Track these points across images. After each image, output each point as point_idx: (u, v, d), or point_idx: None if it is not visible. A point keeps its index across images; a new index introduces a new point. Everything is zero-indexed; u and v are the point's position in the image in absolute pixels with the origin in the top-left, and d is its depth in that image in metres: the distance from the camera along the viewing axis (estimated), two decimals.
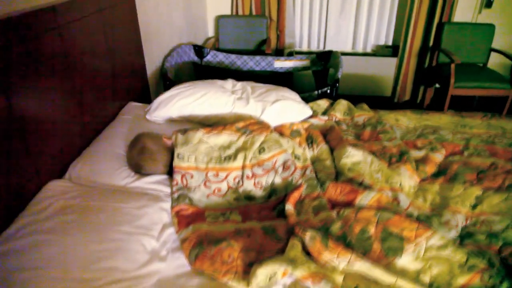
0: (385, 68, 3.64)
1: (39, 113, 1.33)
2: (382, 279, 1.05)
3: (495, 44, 3.29)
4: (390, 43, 3.70)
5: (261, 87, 1.96)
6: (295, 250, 1.10)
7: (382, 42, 3.70)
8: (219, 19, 3.58)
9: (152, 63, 2.44)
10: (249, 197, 1.44)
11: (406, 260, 1.13)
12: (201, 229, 1.28)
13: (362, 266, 1.07)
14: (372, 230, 1.20)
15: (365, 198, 1.33)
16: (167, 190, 1.47)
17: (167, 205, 1.40)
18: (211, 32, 3.80)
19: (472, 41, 3.33)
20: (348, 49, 3.76)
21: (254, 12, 3.58)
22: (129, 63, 2.08)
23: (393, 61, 3.59)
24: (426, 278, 1.09)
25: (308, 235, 1.13)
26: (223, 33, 3.60)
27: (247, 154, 1.47)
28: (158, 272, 1.18)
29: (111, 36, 1.84)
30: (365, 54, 3.73)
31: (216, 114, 1.77)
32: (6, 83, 1.17)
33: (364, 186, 1.41)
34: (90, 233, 1.18)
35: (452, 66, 3.03)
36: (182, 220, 1.33)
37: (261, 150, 1.50)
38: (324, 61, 2.96)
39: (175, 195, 1.41)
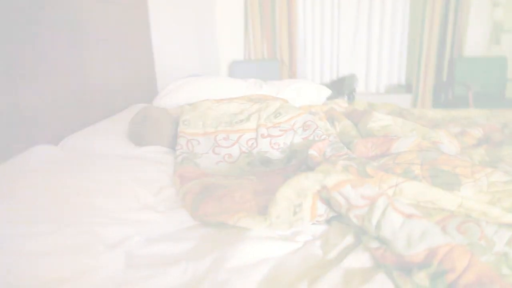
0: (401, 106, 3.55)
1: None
2: (443, 202, 0.80)
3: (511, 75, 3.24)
4: (403, 81, 3.67)
5: (274, 81, 1.86)
6: (325, 167, 0.87)
7: (394, 81, 3.68)
8: (232, 64, 3.66)
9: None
10: (265, 161, 1.23)
11: (468, 193, 0.88)
12: (206, 181, 1.06)
13: (414, 188, 0.83)
14: (417, 170, 0.97)
15: (402, 144, 1.11)
16: (170, 158, 1.28)
17: (169, 169, 1.20)
18: None
19: (487, 74, 3.30)
20: (361, 90, 3.73)
21: (266, 56, 3.67)
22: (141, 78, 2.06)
23: (408, 98, 3.52)
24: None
25: (340, 165, 0.91)
26: (236, 77, 3.64)
27: (261, 114, 1.31)
28: (151, 222, 0.95)
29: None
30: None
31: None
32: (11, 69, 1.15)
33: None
34: (72, 174, 0.99)
35: (470, 94, 2.97)
36: (185, 179, 1.12)
37: (277, 114, 1.33)
38: (338, 88, 2.90)
39: (179, 159, 1.22)
